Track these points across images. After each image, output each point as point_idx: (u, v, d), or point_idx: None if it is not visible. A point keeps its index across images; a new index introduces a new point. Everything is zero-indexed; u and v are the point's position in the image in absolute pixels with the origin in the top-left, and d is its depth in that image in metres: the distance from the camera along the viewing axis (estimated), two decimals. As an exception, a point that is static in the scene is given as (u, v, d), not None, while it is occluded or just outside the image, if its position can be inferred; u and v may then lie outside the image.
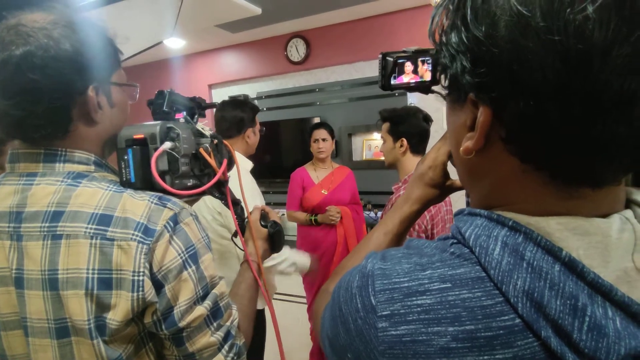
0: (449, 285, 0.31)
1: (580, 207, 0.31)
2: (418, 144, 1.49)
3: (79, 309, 0.52)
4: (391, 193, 1.52)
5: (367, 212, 2.87)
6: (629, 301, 0.27)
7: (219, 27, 3.00)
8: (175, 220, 0.57)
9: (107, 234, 0.53)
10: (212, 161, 0.70)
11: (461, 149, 0.35)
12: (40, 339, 0.54)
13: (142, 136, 0.61)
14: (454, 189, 0.60)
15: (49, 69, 0.53)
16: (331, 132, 2.32)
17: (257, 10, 2.47)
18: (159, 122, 0.63)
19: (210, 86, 3.88)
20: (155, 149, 0.60)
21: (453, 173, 0.59)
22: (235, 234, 0.85)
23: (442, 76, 0.37)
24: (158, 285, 0.55)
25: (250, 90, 3.65)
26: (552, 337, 0.27)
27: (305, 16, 2.96)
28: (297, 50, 3.34)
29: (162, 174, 0.60)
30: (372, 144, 3.27)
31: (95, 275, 0.53)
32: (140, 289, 0.53)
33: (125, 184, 0.60)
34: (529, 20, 0.27)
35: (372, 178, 3.10)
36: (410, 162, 1.48)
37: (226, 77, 3.73)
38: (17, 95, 0.53)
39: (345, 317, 0.36)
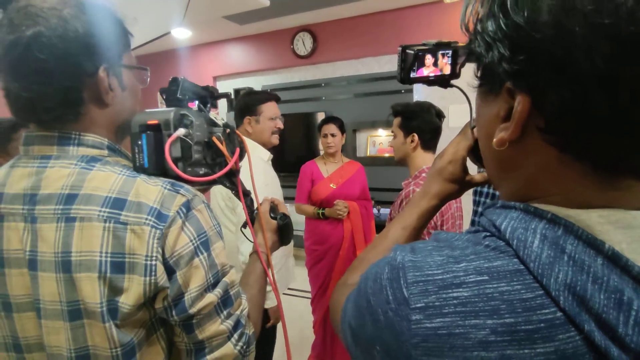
0: (486, 277, 0.31)
1: (621, 199, 0.30)
2: (429, 140, 1.47)
3: (91, 291, 0.52)
4: (396, 189, 1.51)
5: (371, 208, 2.86)
6: None
7: (226, 19, 2.98)
8: (187, 206, 0.57)
9: (121, 217, 0.53)
10: (224, 150, 0.69)
11: (495, 140, 0.34)
12: (53, 321, 0.54)
13: (156, 122, 0.60)
14: (473, 184, 0.59)
15: (57, 49, 0.52)
16: (341, 127, 2.31)
17: (266, 2, 2.45)
18: (172, 108, 0.62)
19: (215, 78, 3.86)
20: (169, 135, 0.59)
21: (471, 169, 0.59)
22: (244, 225, 0.85)
23: (475, 66, 0.36)
24: (170, 271, 0.55)
25: (256, 83, 3.64)
26: (596, 331, 0.27)
27: (313, 9, 2.93)
28: (303, 44, 3.32)
29: (175, 161, 0.60)
30: (377, 140, 3.25)
31: (109, 259, 0.52)
32: (153, 273, 0.53)
33: (139, 169, 0.59)
34: (575, 3, 0.25)
35: (376, 174, 3.08)
36: (421, 158, 1.46)
37: (231, 69, 3.71)
38: (27, 76, 0.53)
39: (374, 309, 0.35)
